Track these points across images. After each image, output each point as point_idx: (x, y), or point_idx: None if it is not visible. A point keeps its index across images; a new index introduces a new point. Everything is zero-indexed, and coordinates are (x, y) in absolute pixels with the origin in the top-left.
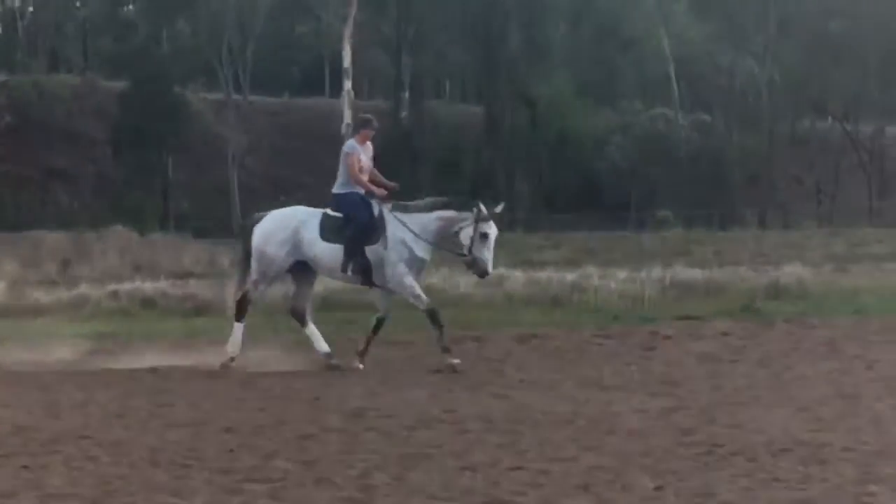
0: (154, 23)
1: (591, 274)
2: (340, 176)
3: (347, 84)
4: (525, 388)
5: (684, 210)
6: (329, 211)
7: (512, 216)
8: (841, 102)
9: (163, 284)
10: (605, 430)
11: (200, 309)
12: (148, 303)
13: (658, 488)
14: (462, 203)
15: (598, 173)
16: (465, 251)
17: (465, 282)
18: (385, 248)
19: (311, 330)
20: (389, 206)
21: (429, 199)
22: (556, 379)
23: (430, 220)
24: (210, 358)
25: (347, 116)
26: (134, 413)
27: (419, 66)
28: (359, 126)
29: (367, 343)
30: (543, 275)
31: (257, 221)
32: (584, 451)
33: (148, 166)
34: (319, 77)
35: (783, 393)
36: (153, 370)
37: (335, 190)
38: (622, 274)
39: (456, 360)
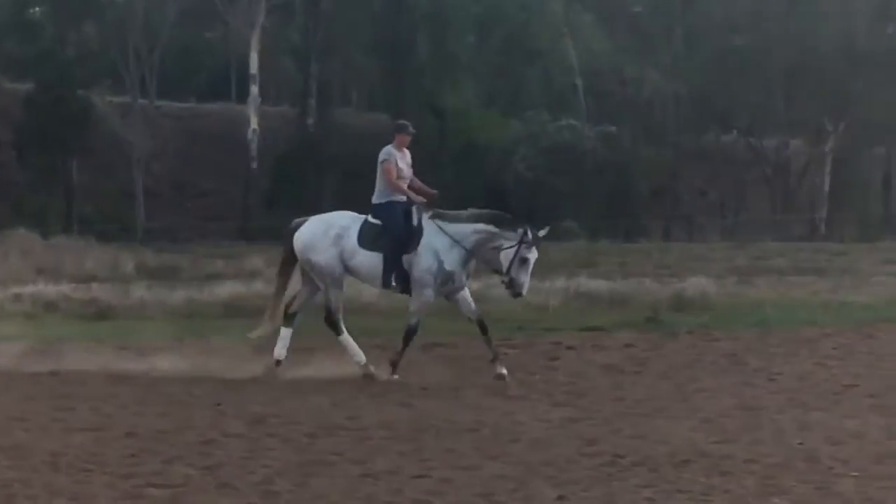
0: (60, 25)
1: (496, 283)
2: (378, 184)
3: (254, 90)
4: (428, 397)
5: (590, 221)
6: (370, 218)
7: None
8: (746, 116)
9: (65, 288)
10: (509, 440)
11: (103, 313)
12: (50, 306)
13: (560, 498)
14: (502, 219)
15: (504, 183)
16: (503, 270)
17: (367, 290)
18: (416, 254)
19: (346, 339)
20: (430, 213)
21: (472, 211)
22: (459, 388)
23: (468, 231)
24: (113, 362)
25: (254, 122)
26: (35, 417)
27: (327, 74)
28: (394, 131)
29: (492, 350)
30: None
31: (297, 228)
32: (487, 460)
33: (52, 169)
34: (226, 83)
35: (686, 404)
36: (55, 373)
37: (374, 200)
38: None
39: (395, 377)
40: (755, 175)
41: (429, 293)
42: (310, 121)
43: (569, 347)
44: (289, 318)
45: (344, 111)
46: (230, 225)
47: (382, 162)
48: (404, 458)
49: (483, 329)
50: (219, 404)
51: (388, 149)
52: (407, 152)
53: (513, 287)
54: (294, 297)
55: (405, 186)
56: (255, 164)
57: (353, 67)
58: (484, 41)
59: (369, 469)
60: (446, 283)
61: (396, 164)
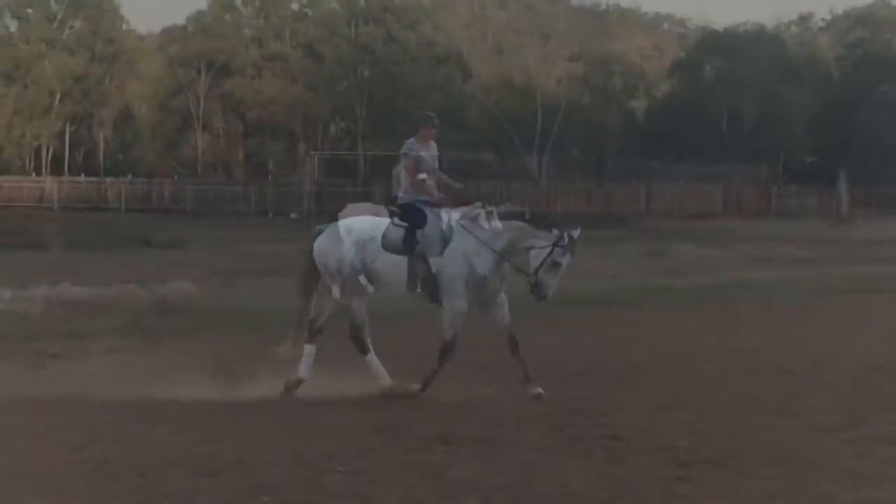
0: None
1: None
2: (402, 181)
3: None
4: None
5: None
6: (395, 220)
7: None
8: None
9: None
10: None
11: None
12: None
13: None
14: (537, 218)
15: None
16: (532, 271)
17: None
18: (444, 258)
19: (371, 359)
20: (459, 214)
21: (503, 209)
22: None
23: (499, 230)
24: None
25: None
26: None
27: None
28: (416, 123)
29: (523, 370)
30: None
31: (318, 234)
32: None
33: None
34: None
35: (173, 408)
36: None
37: (399, 197)
38: (7, 293)
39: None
40: None
41: (461, 303)
42: None
43: (52, 356)
44: (314, 335)
45: None
46: None
47: (403, 156)
48: None
49: (513, 346)
50: None
51: (410, 142)
52: (433, 144)
53: (538, 290)
54: (319, 313)
55: (430, 182)
56: None
57: None
58: None
59: None
60: (480, 289)
61: (418, 159)
